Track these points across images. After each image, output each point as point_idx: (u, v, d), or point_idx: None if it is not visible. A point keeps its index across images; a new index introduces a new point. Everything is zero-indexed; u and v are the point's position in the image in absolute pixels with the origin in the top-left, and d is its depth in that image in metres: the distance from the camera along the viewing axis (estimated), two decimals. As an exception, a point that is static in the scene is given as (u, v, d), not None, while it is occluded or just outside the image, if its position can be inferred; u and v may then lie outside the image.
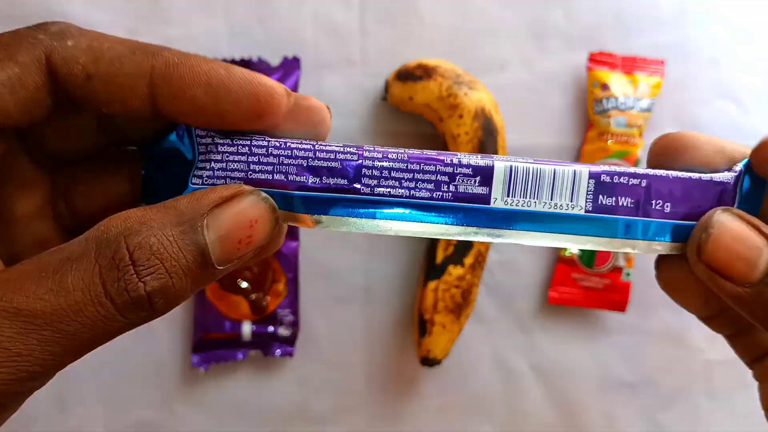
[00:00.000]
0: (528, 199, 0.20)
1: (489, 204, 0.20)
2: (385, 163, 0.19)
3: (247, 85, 0.18)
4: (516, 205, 0.20)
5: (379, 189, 0.19)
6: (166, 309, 0.17)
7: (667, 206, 0.20)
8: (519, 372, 0.48)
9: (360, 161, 0.19)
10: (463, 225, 0.20)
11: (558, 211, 0.20)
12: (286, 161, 0.19)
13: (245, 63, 0.44)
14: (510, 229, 0.20)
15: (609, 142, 0.45)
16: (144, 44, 0.18)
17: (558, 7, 0.46)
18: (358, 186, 0.19)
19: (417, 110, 0.44)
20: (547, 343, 0.48)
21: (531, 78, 0.47)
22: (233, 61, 0.44)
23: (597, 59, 0.46)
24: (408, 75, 0.43)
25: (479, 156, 0.20)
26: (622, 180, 0.20)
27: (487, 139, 0.43)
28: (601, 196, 0.20)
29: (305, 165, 0.19)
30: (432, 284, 0.43)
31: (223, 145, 0.19)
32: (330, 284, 0.47)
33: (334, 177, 0.19)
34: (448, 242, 0.43)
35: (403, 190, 0.19)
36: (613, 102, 0.45)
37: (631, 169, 0.20)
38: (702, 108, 0.47)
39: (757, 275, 0.18)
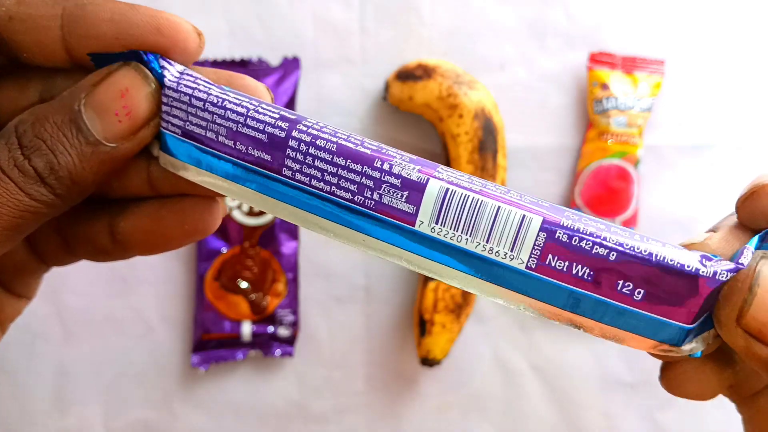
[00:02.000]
0: (459, 233, 0.17)
1: (413, 226, 0.17)
2: (311, 149, 0.18)
3: (151, 19, 0.18)
4: (443, 236, 0.17)
5: (299, 176, 0.18)
6: (62, 187, 0.18)
7: (640, 294, 0.16)
8: (519, 372, 0.48)
9: (287, 139, 0.18)
10: (381, 240, 0.18)
11: (493, 257, 0.17)
12: (218, 121, 0.18)
13: (245, 63, 0.44)
14: (432, 261, 0.17)
15: (609, 141, 0.45)
16: None
17: (558, 7, 0.46)
18: (278, 167, 0.18)
19: (417, 110, 0.44)
20: (547, 343, 0.48)
21: (531, 78, 0.47)
22: (233, 62, 0.44)
23: (597, 59, 0.46)
24: (408, 75, 0.43)
25: (416, 167, 0.17)
26: (583, 244, 0.16)
27: (487, 139, 0.43)
28: (550, 256, 0.16)
29: (234, 129, 0.18)
30: (432, 284, 0.43)
31: (169, 88, 0.19)
32: (330, 284, 0.47)
33: (259, 150, 0.18)
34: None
35: (323, 184, 0.18)
36: (613, 102, 0.45)
37: (602, 233, 0.16)
38: (702, 108, 0.47)
39: None
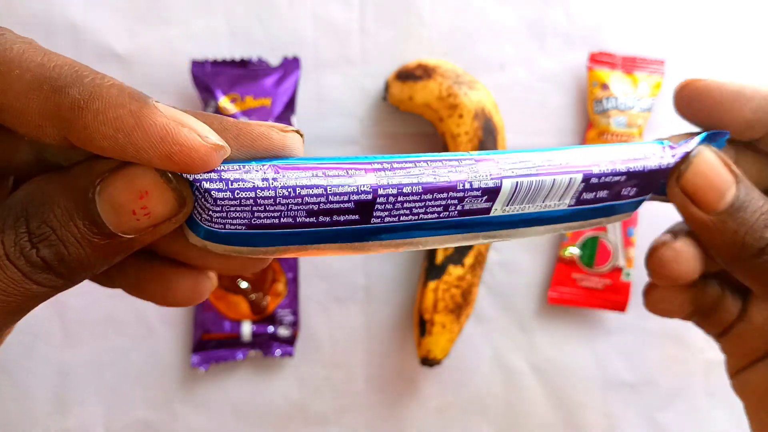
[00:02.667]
0: (524, 205, 0.21)
1: (489, 214, 0.20)
2: (399, 198, 0.19)
3: (160, 144, 0.16)
4: (512, 212, 0.21)
5: (389, 219, 0.19)
6: (71, 275, 0.17)
7: (633, 191, 0.22)
8: (519, 372, 0.48)
9: (373, 198, 0.18)
10: (460, 234, 0.20)
11: (546, 210, 0.21)
12: (294, 207, 0.18)
13: (245, 63, 0.44)
14: (502, 230, 0.21)
15: (609, 142, 0.45)
16: (57, 72, 0.16)
17: (558, 7, 0.46)
18: (366, 220, 0.19)
19: (417, 110, 0.44)
20: (547, 343, 0.48)
21: (531, 78, 0.47)
22: (233, 62, 0.44)
23: (597, 59, 0.46)
24: (408, 75, 0.43)
25: (489, 174, 0.19)
26: (607, 179, 0.21)
27: (487, 139, 0.43)
28: (584, 194, 0.21)
29: (316, 209, 0.18)
30: (432, 284, 0.43)
31: (223, 199, 0.17)
32: (330, 284, 0.47)
33: (346, 215, 0.18)
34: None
35: (412, 216, 0.19)
36: (613, 102, 0.45)
37: (619, 166, 0.21)
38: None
39: (722, 206, 0.21)
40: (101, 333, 0.45)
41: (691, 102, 0.23)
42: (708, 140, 0.23)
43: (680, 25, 0.47)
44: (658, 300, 0.25)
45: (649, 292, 0.26)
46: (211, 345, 0.45)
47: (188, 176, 0.17)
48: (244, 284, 0.45)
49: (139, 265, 0.22)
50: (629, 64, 0.46)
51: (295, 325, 0.45)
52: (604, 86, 0.45)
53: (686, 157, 0.22)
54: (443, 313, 0.43)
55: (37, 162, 0.19)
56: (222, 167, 0.17)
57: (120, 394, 0.46)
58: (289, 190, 0.17)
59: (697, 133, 0.23)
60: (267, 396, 0.46)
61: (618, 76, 0.46)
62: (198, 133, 0.16)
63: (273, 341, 0.45)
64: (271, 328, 0.45)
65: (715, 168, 0.21)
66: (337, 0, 0.45)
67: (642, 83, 0.46)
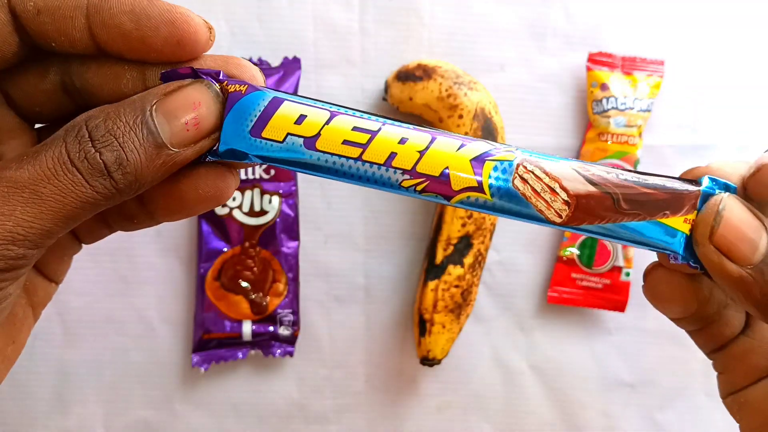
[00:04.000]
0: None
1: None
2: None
3: (166, 13, 0.20)
4: None
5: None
6: (125, 181, 0.19)
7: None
8: (518, 371, 0.48)
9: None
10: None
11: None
12: None
13: (245, 63, 0.44)
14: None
15: (608, 142, 0.45)
16: None
17: (558, 7, 0.46)
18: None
19: (417, 110, 0.44)
20: (546, 342, 0.48)
21: (531, 78, 0.47)
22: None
23: (596, 59, 0.46)
24: (408, 75, 0.43)
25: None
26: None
27: (487, 140, 0.43)
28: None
29: None
30: (432, 284, 0.43)
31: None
32: (330, 284, 0.47)
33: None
34: (448, 242, 0.43)
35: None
36: (613, 102, 0.45)
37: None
38: (701, 108, 0.47)
39: (758, 256, 0.20)
40: (101, 333, 0.45)
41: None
42: (723, 189, 0.21)
43: (680, 26, 0.47)
44: (658, 280, 0.23)
45: (650, 272, 0.24)
46: (212, 345, 0.45)
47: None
48: (244, 284, 0.45)
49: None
50: (629, 65, 0.46)
51: (295, 325, 0.46)
52: (604, 86, 0.45)
53: (709, 204, 0.20)
54: (443, 312, 0.43)
55: (66, 110, 0.22)
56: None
57: (120, 393, 0.46)
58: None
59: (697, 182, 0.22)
60: (267, 396, 0.46)
61: (617, 76, 0.46)
62: (195, 14, 0.20)
63: (273, 341, 0.45)
64: (271, 328, 0.45)
65: (746, 218, 0.20)
66: (338, 1, 0.45)
67: (641, 84, 0.46)
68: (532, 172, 0.20)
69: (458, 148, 0.20)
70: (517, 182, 0.20)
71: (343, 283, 0.47)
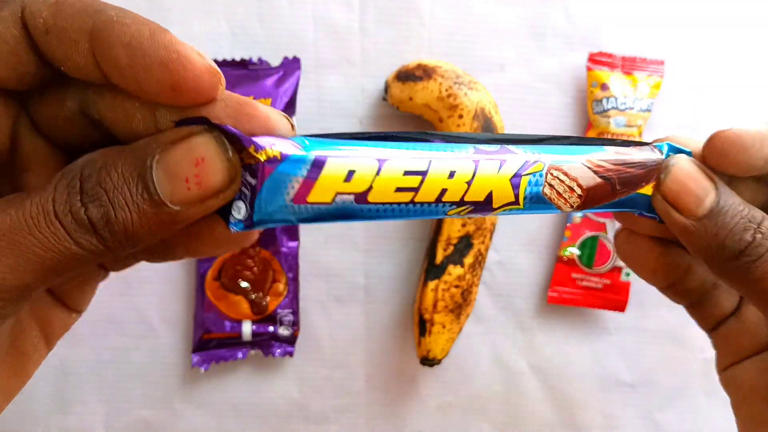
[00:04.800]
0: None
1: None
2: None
3: (162, 50, 0.17)
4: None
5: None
6: (114, 241, 0.17)
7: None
8: (518, 371, 0.48)
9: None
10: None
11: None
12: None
13: (246, 63, 0.44)
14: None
15: (609, 142, 0.45)
16: (103, 3, 0.18)
17: (558, 7, 0.46)
18: None
19: (417, 110, 0.44)
20: (546, 342, 0.48)
21: (531, 78, 0.47)
22: (233, 62, 0.44)
23: (597, 59, 0.46)
24: (408, 75, 0.43)
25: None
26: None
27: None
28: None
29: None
30: (432, 284, 0.43)
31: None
32: (330, 284, 0.47)
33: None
34: (448, 242, 0.43)
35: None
36: (613, 102, 0.45)
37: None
38: (701, 108, 0.47)
39: (702, 210, 0.22)
40: (102, 333, 0.46)
41: (723, 151, 0.24)
42: (675, 152, 0.24)
43: (680, 26, 0.47)
44: (623, 240, 0.26)
45: (618, 234, 0.26)
46: (212, 345, 0.45)
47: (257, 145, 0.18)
48: (244, 284, 0.45)
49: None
50: (629, 65, 0.46)
51: (295, 325, 0.46)
52: (604, 86, 0.45)
53: (662, 166, 0.23)
54: (443, 312, 0.43)
55: (91, 138, 0.21)
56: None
57: (121, 393, 0.46)
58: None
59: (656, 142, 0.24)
60: (267, 396, 0.47)
61: (617, 76, 0.46)
62: (199, 54, 0.18)
63: (273, 341, 0.45)
64: (271, 328, 0.45)
65: (692, 175, 0.22)
66: (338, 0, 0.45)
67: (641, 83, 0.46)
68: (557, 178, 0.21)
69: (498, 169, 0.21)
70: (546, 189, 0.21)
71: (343, 283, 0.47)
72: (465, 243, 0.43)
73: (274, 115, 0.19)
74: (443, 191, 0.20)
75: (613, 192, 0.22)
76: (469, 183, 0.20)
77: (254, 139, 0.18)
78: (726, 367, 0.26)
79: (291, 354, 0.46)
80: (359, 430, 0.47)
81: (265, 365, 0.47)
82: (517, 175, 0.21)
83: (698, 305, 0.26)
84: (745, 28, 0.47)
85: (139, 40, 0.17)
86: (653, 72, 0.46)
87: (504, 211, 0.21)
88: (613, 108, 0.45)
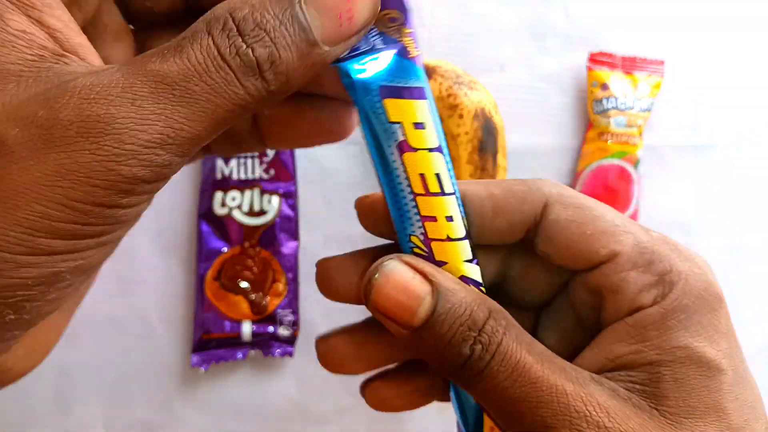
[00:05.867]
0: None
1: None
2: None
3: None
4: None
5: None
6: (277, 82, 0.17)
7: None
8: (519, 372, 0.48)
9: None
10: None
11: None
12: None
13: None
14: None
15: (609, 142, 0.45)
16: None
17: (558, 7, 0.46)
18: None
19: (417, 110, 0.44)
20: (546, 343, 0.48)
21: (531, 78, 0.47)
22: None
23: (597, 59, 0.46)
24: (408, 75, 0.43)
25: None
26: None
27: (487, 140, 0.43)
28: None
29: None
30: (432, 284, 0.43)
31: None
32: (330, 284, 0.47)
33: None
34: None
35: None
36: (613, 102, 0.45)
37: None
38: (701, 108, 0.47)
39: (416, 322, 0.19)
40: (101, 333, 0.45)
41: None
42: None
43: (680, 26, 0.47)
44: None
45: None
46: (211, 345, 0.45)
47: None
48: (244, 284, 0.45)
49: (295, 101, 0.22)
50: (629, 65, 0.46)
51: (295, 325, 0.46)
52: (604, 86, 0.45)
53: (368, 273, 0.20)
54: (443, 313, 0.43)
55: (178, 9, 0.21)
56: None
57: (120, 393, 0.46)
58: None
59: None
60: (267, 396, 0.46)
61: (618, 76, 0.46)
62: None
63: (273, 341, 0.45)
64: (271, 328, 0.45)
65: (402, 286, 0.19)
66: (337, 0, 0.45)
67: (642, 83, 0.46)
68: None
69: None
70: None
71: (343, 283, 0.47)
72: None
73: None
74: (432, 219, 0.20)
75: None
76: (448, 240, 0.20)
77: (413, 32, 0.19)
78: None
79: (291, 354, 0.46)
80: (359, 430, 0.47)
81: (265, 365, 0.46)
82: None
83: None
84: (745, 29, 0.47)
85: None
86: (653, 72, 0.46)
87: None
88: (613, 108, 0.45)
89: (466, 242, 0.20)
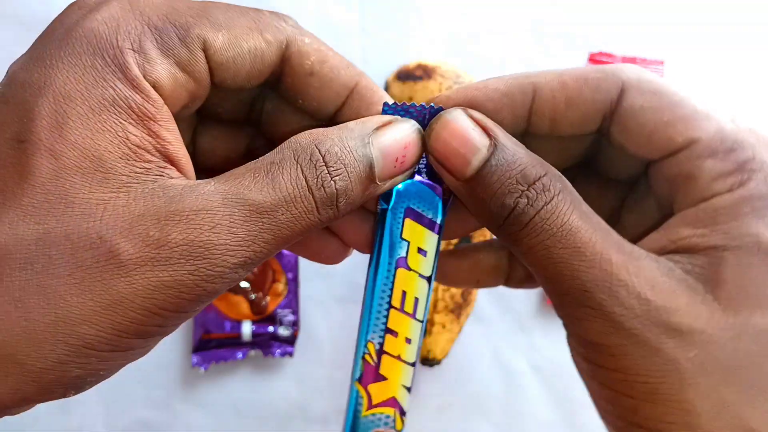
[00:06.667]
0: None
1: None
2: None
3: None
4: None
5: None
6: (345, 211, 0.19)
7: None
8: (519, 372, 0.48)
9: None
10: None
11: None
12: None
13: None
14: None
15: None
16: (348, 63, 0.23)
17: (558, 7, 0.46)
18: None
19: (417, 110, 0.44)
20: (546, 342, 0.48)
21: (531, 78, 0.47)
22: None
23: (597, 59, 0.46)
24: (408, 75, 0.43)
25: None
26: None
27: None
28: None
29: None
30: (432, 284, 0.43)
31: None
32: (330, 284, 0.47)
33: None
34: (448, 242, 0.43)
35: None
36: (613, 102, 0.45)
37: None
38: (702, 108, 0.47)
39: (468, 172, 0.19)
40: (102, 333, 0.45)
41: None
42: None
43: (680, 26, 0.47)
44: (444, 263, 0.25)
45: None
46: (212, 345, 0.45)
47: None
48: (244, 284, 0.45)
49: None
50: (629, 65, 0.46)
51: (295, 325, 0.46)
52: (604, 86, 0.45)
53: (432, 122, 0.21)
54: (443, 313, 0.43)
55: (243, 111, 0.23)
56: None
57: (121, 393, 0.46)
58: None
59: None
60: (267, 396, 0.47)
61: (618, 76, 0.46)
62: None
63: (273, 341, 0.45)
64: (271, 328, 0.45)
65: (458, 134, 0.19)
66: (338, 1, 0.45)
67: (642, 83, 0.46)
68: None
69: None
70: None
71: (343, 283, 0.47)
72: (465, 242, 0.43)
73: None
74: (408, 340, 0.22)
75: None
76: (406, 363, 0.22)
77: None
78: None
79: (291, 354, 0.46)
80: (359, 430, 0.47)
81: (265, 365, 0.47)
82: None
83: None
84: (744, 29, 0.47)
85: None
86: (653, 72, 0.46)
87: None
88: (613, 108, 0.45)
89: (413, 370, 0.22)
